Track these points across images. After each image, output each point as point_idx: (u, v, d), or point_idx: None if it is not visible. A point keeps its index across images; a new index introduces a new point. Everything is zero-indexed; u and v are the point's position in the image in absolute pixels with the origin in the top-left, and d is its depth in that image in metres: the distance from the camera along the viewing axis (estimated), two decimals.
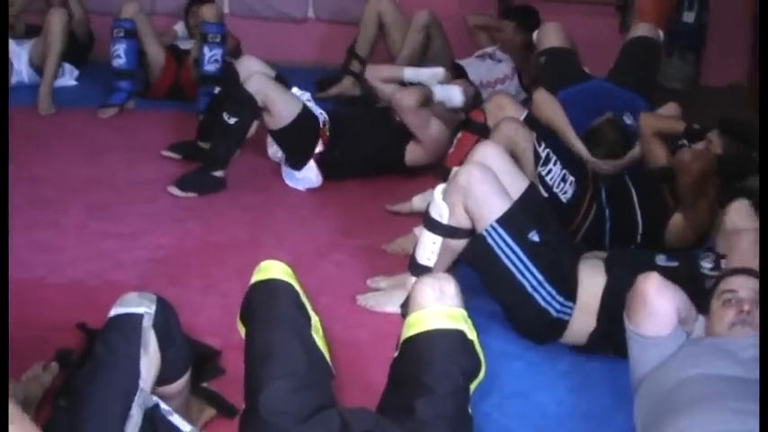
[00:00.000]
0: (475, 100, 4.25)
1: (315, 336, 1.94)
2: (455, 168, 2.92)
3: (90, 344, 2.53)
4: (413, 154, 4.08)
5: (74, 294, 3.01)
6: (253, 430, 1.82)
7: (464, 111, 4.08)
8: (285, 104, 3.84)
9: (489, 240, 2.68)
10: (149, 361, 1.87)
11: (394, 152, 4.07)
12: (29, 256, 3.25)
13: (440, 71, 4.33)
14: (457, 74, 4.80)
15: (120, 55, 4.92)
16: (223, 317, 2.81)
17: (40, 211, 3.66)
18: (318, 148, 3.96)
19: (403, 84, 4.26)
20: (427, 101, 3.96)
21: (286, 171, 4.07)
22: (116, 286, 3.03)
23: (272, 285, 1.96)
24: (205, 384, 2.40)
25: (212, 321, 2.80)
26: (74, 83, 5.41)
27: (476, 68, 5.03)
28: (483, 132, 3.52)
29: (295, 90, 4.01)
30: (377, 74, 4.37)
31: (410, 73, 4.33)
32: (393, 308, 2.93)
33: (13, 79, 5.21)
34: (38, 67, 5.09)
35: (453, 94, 4.07)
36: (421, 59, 5.00)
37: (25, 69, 5.23)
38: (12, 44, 5.17)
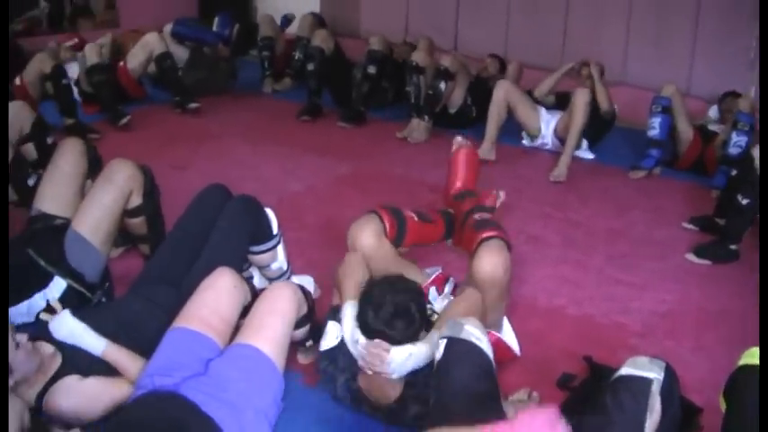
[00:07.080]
0: None
1: None
2: None
3: (591, 377, 2.58)
4: None
5: (584, 327, 3.08)
6: None
7: None
8: None
9: None
10: (652, 422, 1.82)
11: None
12: (555, 286, 3.40)
13: None
14: None
15: (655, 126, 4.89)
16: (709, 378, 2.67)
17: (569, 249, 3.79)
18: None
19: None
20: None
21: None
22: (621, 328, 3.08)
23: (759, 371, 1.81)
24: None
25: (698, 380, 2.67)
26: (591, 156, 5.24)
27: None
28: None
29: None
30: None
31: None
32: None
33: (538, 142, 5.34)
34: (561, 136, 5.11)
35: None
36: None
37: (550, 136, 5.27)
38: (542, 112, 5.30)
